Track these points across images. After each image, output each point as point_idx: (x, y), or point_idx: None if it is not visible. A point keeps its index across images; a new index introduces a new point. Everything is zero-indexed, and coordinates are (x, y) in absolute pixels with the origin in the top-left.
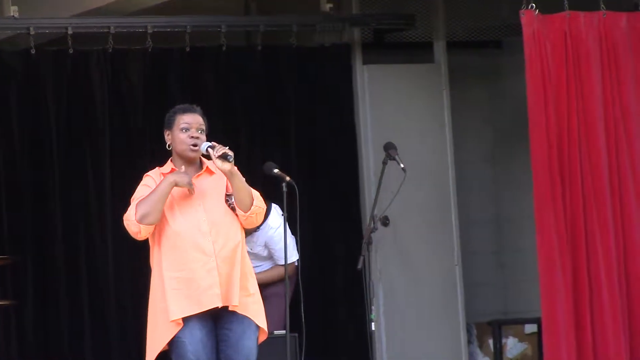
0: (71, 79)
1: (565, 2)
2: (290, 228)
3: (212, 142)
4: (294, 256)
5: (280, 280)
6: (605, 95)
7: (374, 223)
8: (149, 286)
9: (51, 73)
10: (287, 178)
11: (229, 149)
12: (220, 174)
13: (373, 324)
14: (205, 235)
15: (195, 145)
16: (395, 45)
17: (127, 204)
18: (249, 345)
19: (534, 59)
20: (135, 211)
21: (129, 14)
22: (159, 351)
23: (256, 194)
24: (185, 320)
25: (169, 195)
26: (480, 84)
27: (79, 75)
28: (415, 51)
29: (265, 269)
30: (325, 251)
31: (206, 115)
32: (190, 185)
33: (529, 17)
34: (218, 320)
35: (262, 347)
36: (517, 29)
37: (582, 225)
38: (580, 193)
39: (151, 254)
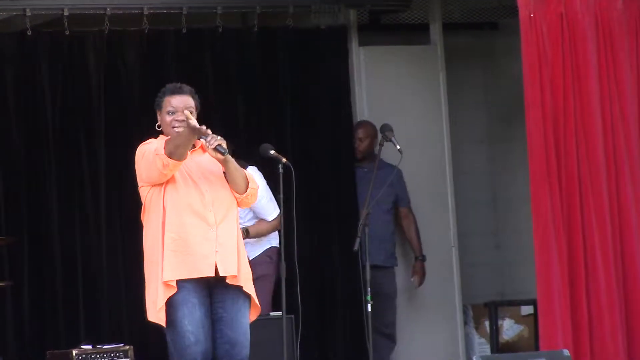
0: (67, 60)
1: None
2: (286, 209)
3: (207, 130)
4: (276, 210)
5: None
6: (601, 76)
7: (369, 205)
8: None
9: (47, 55)
10: (284, 159)
11: (223, 137)
12: None
13: (369, 305)
14: (208, 206)
15: (180, 128)
16: (391, 26)
17: (121, 185)
18: (245, 322)
19: (530, 40)
20: (165, 146)
21: None
22: (157, 311)
23: (249, 175)
24: (184, 298)
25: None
26: (476, 65)
27: (75, 56)
28: (411, 33)
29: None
30: (322, 233)
31: (202, 97)
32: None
33: None
34: (213, 296)
35: (258, 329)
36: (513, 11)
37: (578, 206)
38: (576, 174)
39: (148, 214)
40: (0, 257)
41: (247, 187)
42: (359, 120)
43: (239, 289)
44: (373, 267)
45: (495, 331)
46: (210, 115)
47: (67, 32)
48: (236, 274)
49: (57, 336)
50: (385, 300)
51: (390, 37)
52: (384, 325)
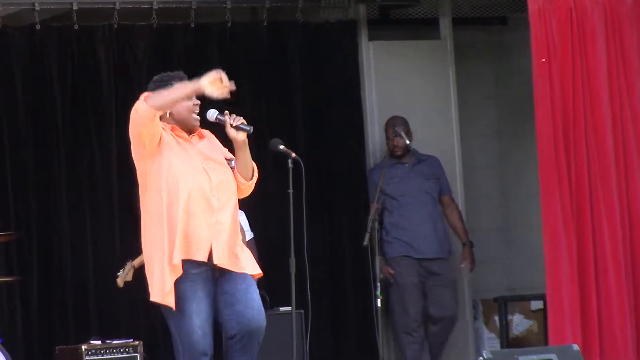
0: (76, 55)
1: None
2: (296, 203)
3: (225, 111)
4: (249, 233)
5: None
6: (610, 71)
7: (379, 200)
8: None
9: (56, 49)
10: (293, 154)
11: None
12: (211, 138)
13: (378, 300)
14: (213, 190)
15: (198, 114)
16: (400, 21)
17: (132, 179)
18: (257, 297)
19: (540, 35)
20: (146, 102)
21: None
22: (166, 295)
23: (254, 164)
24: (193, 292)
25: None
26: (485, 60)
27: (84, 51)
28: (421, 28)
29: None
30: (331, 228)
31: None
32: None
33: None
34: (219, 280)
35: (268, 324)
36: (522, 5)
37: (588, 201)
38: (586, 168)
39: (147, 194)
40: (9, 252)
41: (253, 174)
42: (368, 114)
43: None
44: (426, 260)
45: (504, 326)
46: (218, 110)
47: (76, 27)
48: (245, 268)
49: (66, 332)
50: (445, 290)
51: (400, 32)
52: (442, 313)
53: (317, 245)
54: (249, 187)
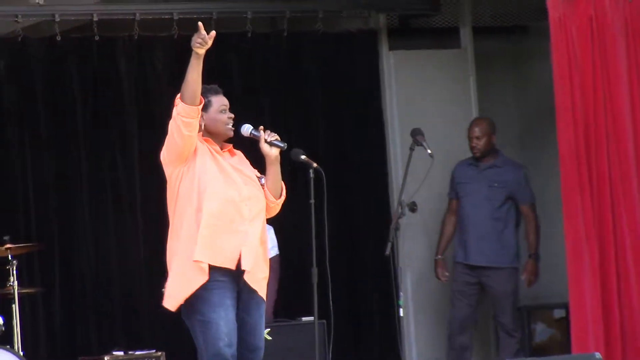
0: (97, 66)
1: None
2: (317, 214)
3: (260, 127)
4: (275, 249)
5: None
6: (631, 78)
7: (401, 209)
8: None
9: (77, 60)
10: (314, 164)
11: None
12: (241, 157)
13: (401, 310)
14: (244, 200)
15: (232, 125)
16: (421, 30)
17: (155, 189)
18: (263, 327)
19: (560, 43)
20: (181, 101)
21: (154, 1)
22: (186, 297)
23: (283, 184)
24: (221, 299)
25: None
26: (506, 69)
27: (104, 62)
28: (441, 37)
29: None
30: (353, 238)
31: (231, 101)
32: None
33: (555, 2)
34: (239, 302)
35: (290, 334)
36: (543, 14)
37: (609, 210)
38: (607, 178)
39: (178, 201)
40: (32, 263)
41: (282, 193)
42: (389, 124)
43: (260, 294)
44: (475, 267)
45: (527, 335)
46: (238, 120)
47: (96, 38)
48: (264, 294)
49: (89, 342)
50: (499, 301)
51: (420, 41)
52: (501, 323)
53: (339, 255)
54: (277, 205)
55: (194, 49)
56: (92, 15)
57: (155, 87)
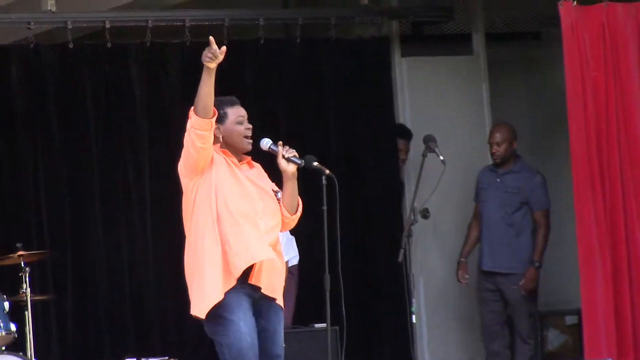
0: (109, 73)
1: None
2: (330, 220)
3: (279, 142)
4: (296, 258)
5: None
6: None
7: (414, 215)
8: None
9: (89, 67)
10: (327, 171)
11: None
12: (259, 170)
13: (414, 316)
14: (259, 214)
15: (250, 137)
16: (433, 37)
17: (166, 196)
18: (282, 334)
19: (572, 50)
20: (194, 114)
21: (166, 8)
22: (214, 304)
23: (299, 200)
24: (239, 302)
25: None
26: (518, 75)
27: (116, 69)
28: (454, 43)
29: None
30: (365, 244)
31: (244, 108)
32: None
33: (567, 9)
34: (255, 307)
35: (303, 341)
36: (555, 21)
37: (622, 216)
38: (620, 184)
39: (195, 211)
40: (44, 270)
41: (298, 209)
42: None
43: (278, 302)
44: (490, 273)
45: (540, 341)
46: (253, 129)
47: (108, 45)
48: (281, 303)
49: (101, 349)
50: (513, 307)
51: (433, 48)
52: (517, 329)
53: (351, 261)
54: (292, 221)
55: (204, 63)
56: (104, 22)
57: (167, 94)
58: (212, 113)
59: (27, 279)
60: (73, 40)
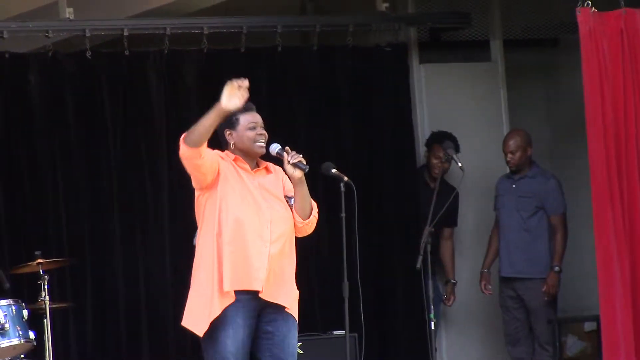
0: (127, 80)
1: None
2: (348, 227)
3: (286, 147)
4: None
5: None
6: None
7: (433, 222)
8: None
9: (107, 75)
10: (345, 178)
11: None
12: (277, 174)
13: (432, 323)
14: (265, 223)
15: (263, 142)
16: (451, 44)
17: (184, 204)
18: (294, 343)
19: (591, 56)
20: (183, 142)
21: (184, 15)
22: (210, 322)
23: (314, 203)
24: (232, 318)
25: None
26: (537, 82)
27: (135, 77)
28: (472, 50)
29: None
30: (383, 251)
31: (261, 115)
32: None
33: (585, 15)
34: (263, 315)
35: (321, 348)
36: (573, 27)
37: None
38: (638, 190)
39: (202, 223)
40: (63, 278)
41: (311, 213)
42: (420, 137)
43: (288, 310)
44: (512, 279)
45: (558, 348)
46: (269, 135)
47: (126, 52)
48: (289, 306)
49: (119, 357)
50: (532, 313)
51: (451, 55)
52: (535, 335)
53: (369, 268)
54: (306, 225)
55: (223, 106)
56: (122, 30)
57: (185, 101)
58: (201, 144)
59: (46, 287)
60: (91, 48)
